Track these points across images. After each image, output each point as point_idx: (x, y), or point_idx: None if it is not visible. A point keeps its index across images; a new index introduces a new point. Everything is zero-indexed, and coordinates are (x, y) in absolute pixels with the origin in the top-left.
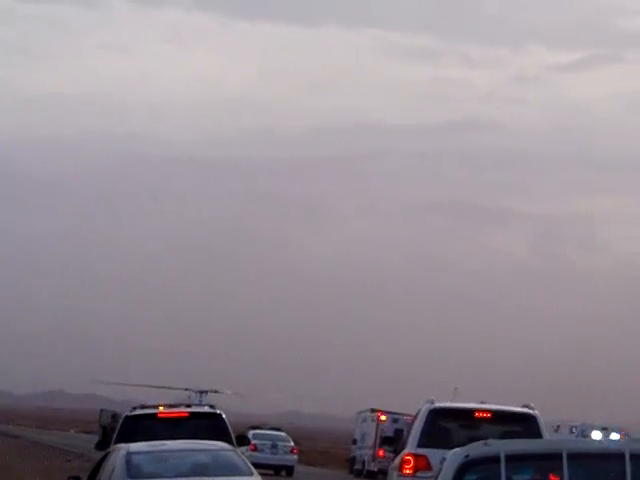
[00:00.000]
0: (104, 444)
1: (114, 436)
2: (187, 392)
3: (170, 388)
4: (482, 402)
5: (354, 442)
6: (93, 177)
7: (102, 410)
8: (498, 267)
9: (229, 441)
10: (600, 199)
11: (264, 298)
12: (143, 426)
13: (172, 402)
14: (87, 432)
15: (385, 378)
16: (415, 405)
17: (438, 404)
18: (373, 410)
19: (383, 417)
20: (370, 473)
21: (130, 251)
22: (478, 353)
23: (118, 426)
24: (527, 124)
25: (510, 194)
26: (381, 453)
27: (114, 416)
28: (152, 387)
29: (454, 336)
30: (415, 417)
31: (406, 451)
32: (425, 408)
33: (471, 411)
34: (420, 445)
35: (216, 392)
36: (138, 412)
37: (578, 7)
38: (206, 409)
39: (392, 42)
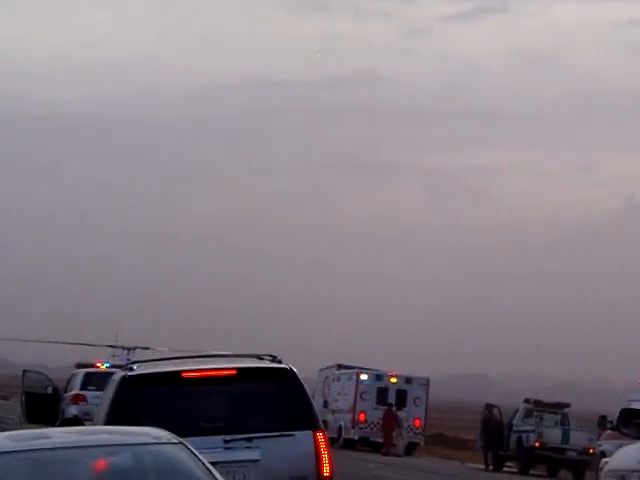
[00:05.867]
0: (36, 414)
1: (108, 410)
2: (111, 349)
3: (91, 345)
4: None
5: (325, 405)
6: None
7: (26, 371)
8: (394, 221)
9: (310, 420)
10: (492, 153)
11: (159, 256)
12: (157, 395)
13: (99, 360)
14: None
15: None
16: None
17: None
18: (341, 366)
19: (364, 375)
20: (348, 442)
21: (14, 207)
22: (364, 316)
23: (112, 395)
24: (418, 78)
25: (402, 148)
26: (362, 417)
27: (42, 378)
28: (69, 344)
29: (356, 288)
30: None
31: None
32: None
33: None
34: None
35: (147, 349)
36: (144, 370)
37: None
38: (266, 363)
39: None
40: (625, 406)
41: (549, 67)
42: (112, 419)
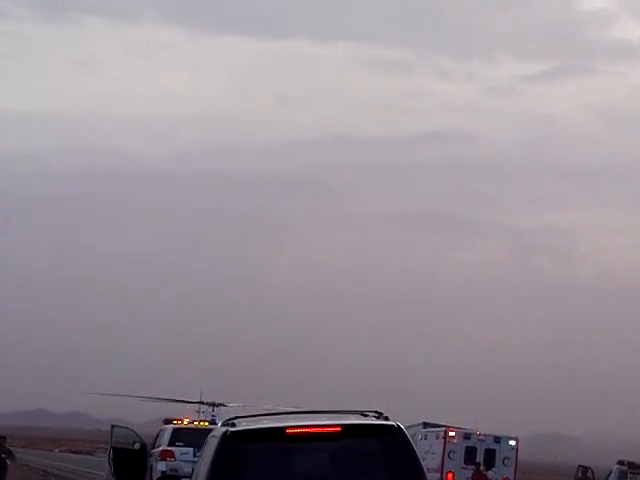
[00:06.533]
0: (124, 470)
1: (209, 467)
2: (197, 406)
3: (182, 402)
4: None
5: None
6: (62, 193)
7: (114, 426)
8: (473, 279)
9: None
10: (574, 211)
11: (233, 310)
12: (260, 451)
13: (181, 417)
14: (73, 452)
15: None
16: None
17: None
18: (427, 424)
19: (452, 433)
20: None
21: (103, 261)
22: (455, 360)
23: (213, 452)
24: (500, 136)
25: (484, 206)
26: (450, 477)
27: (131, 434)
28: (159, 400)
29: (432, 345)
30: None
31: None
32: None
33: None
34: None
35: (224, 405)
36: (247, 426)
37: (548, 16)
38: (372, 420)
39: (363, 55)
40: None
41: (631, 126)
42: (213, 477)
